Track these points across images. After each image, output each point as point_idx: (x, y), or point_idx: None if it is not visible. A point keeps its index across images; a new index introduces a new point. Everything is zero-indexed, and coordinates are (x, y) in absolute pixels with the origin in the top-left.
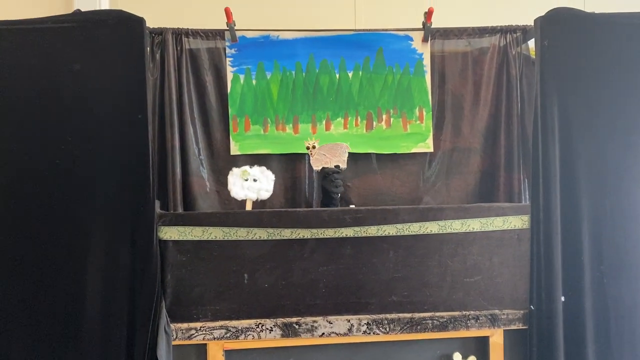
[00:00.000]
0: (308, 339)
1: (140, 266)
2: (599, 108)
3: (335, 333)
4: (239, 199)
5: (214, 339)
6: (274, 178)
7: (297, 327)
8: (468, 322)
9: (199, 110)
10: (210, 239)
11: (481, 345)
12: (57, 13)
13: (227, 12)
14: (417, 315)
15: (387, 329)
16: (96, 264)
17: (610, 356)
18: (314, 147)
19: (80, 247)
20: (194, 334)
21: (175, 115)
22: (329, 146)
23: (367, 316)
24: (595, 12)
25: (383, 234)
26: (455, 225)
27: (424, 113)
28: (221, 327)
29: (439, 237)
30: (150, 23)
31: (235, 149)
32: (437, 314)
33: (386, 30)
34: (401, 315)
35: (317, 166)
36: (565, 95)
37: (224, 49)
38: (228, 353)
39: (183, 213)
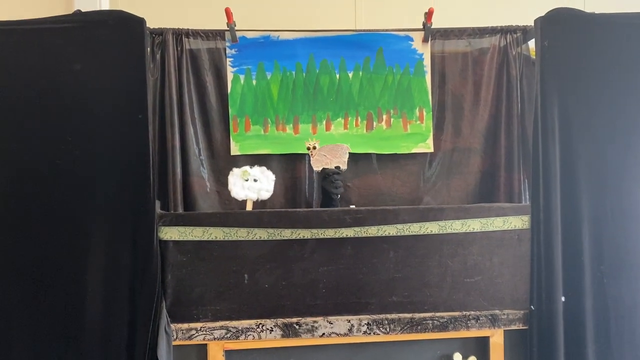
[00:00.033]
0: (308, 339)
1: (141, 266)
2: (599, 108)
3: (336, 333)
4: (240, 199)
5: (215, 339)
6: (274, 178)
7: (297, 327)
8: (468, 322)
9: (199, 110)
10: (210, 239)
11: (481, 346)
12: (57, 13)
13: (228, 13)
14: (417, 315)
15: (388, 329)
16: (96, 264)
17: (610, 356)
18: (314, 147)
19: (80, 247)
20: (194, 334)
21: (176, 115)
22: (330, 147)
23: (368, 316)
24: (596, 12)
25: (383, 234)
26: (456, 226)
27: (424, 113)
28: (221, 328)
29: (439, 237)
30: (151, 23)
31: (235, 149)
32: (438, 314)
33: (386, 30)
34: (401, 315)
35: (317, 167)
36: (566, 96)
37: (224, 50)
38: (228, 353)
39: (183, 213)
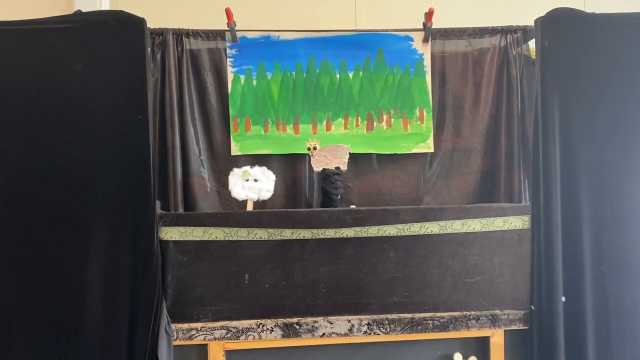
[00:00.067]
0: (309, 339)
1: (141, 266)
2: (599, 108)
3: (336, 333)
4: (240, 199)
5: (215, 339)
6: (274, 178)
7: (297, 327)
8: (469, 322)
9: (199, 110)
10: (210, 239)
11: (482, 346)
12: (58, 14)
13: (228, 13)
14: (417, 315)
15: (388, 329)
16: (97, 264)
17: (610, 356)
18: (315, 148)
19: (80, 247)
20: (194, 334)
21: (176, 115)
22: (330, 147)
23: (368, 316)
24: (596, 12)
25: (384, 234)
26: (456, 226)
27: (425, 113)
28: (222, 328)
29: (440, 237)
30: (151, 24)
31: (235, 150)
32: (438, 314)
33: (387, 30)
34: (402, 315)
35: (317, 167)
36: (566, 96)
37: (225, 50)
38: (229, 353)
39: (184, 213)
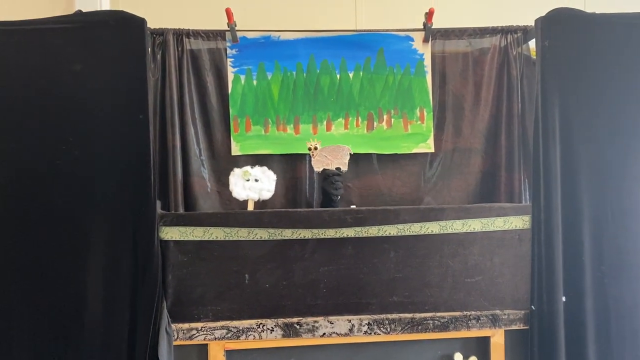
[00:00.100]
0: (309, 339)
1: (141, 266)
2: (599, 108)
3: (336, 333)
4: (241, 199)
5: (215, 339)
6: (275, 178)
7: (298, 327)
8: (469, 322)
9: (200, 110)
10: (211, 239)
11: (482, 346)
12: (58, 14)
13: (228, 13)
14: (418, 315)
15: (388, 329)
16: (97, 264)
17: (611, 356)
18: (315, 148)
19: (80, 247)
20: (195, 334)
21: (176, 115)
22: (331, 148)
23: (368, 316)
24: (596, 12)
25: (384, 234)
26: (456, 226)
27: (425, 113)
28: (222, 327)
29: (440, 237)
30: (151, 24)
31: (236, 150)
32: (438, 314)
33: (387, 30)
34: (402, 315)
35: (318, 167)
36: (566, 96)
37: (225, 50)
38: (229, 353)
39: (184, 213)
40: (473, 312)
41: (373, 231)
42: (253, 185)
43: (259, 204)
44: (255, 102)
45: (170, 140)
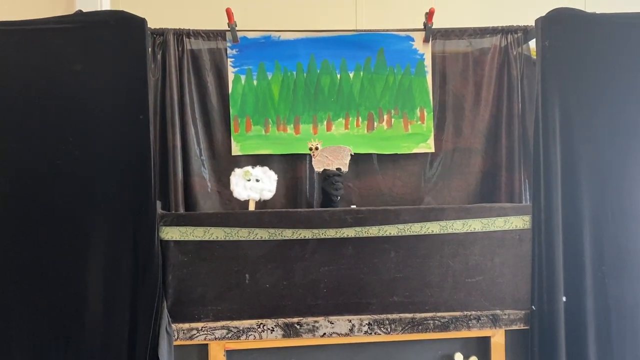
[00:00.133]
0: (309, 339)
1: (142, 266)
2: (600, 108)
3: (337, 333)
4: (242, 200)
5: (216, 339)
6: (276, 178)
7: (298, 327)
8: (469, 322)
9: (200, 110)
10: (211, 239)
11: (483, 346)
12: (58, 14)
13: (229, 13)
14: (418, 315)
15: (389, 329)
16: (97, 264)
17: (611, 356)
18: (316, 148)
19: (81, 247)
20: (195, 334)
21: (177, 115)
22: (332, 148)
23: (369, 316)
24: (596, 12)
25: (384, 234)
26: (457, 226)
27: (425, 113)
28: (222, 327)
29: (441, 237)
30: (152, 24)
31: (236, 150)
32: (439, 314)
33: (387, 30)
34: (402, 315)
35: (318, 168)
36: (566, 96)
37: (225, 50)
38: (229, 353)
39: (184, 213)
40: (473, 312)
41: (373, 231)
42: (254, 185)
43: (260, 204)
44: (255, 102)
45: (170, 140)
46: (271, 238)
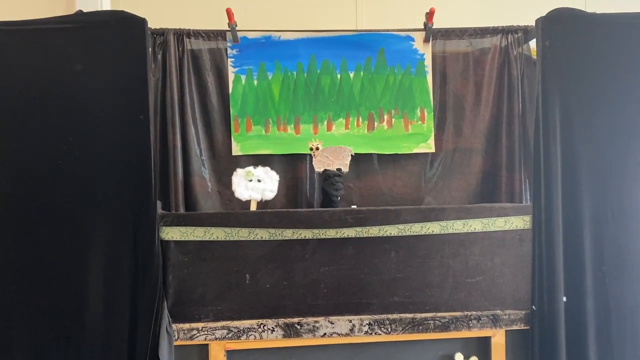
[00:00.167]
0: (310, 339)
1: (142, 266)
2: (600, 108)
3: (337, 333)
4: (243, 200)
5: (216, 339)
6: (278, 179)
7: (298, 327)
8: (470, 322)
9: (200, 110)
10: (212, 239)
11: (483, 346)
12: (58, 14)
13: (229, 13)
14: (418, 315)
15: (389, 329)
16: (97, 264)
17: (611, 356)
18: (317, 148)
19: (81, 247)
20: (195, 335)
21: (177, 115)
22: (333, 149)
23: (369, 316)
24: (597, 12)
25: (385, 235)
26: (457, 226)
27: (426, 113)
28: (223, 328)
29: (441, 237)
30: (152, 24)
31: (236, 150)
32: (439, 314)
33: (387, 30)
34: (403, 315)
35: (319, 168)
36: (567, 96)
37: (226, 50)
38: (230, 353)
39: (185, 213)
40: (474, 312)
41: (374, 231)
42: (256, 185)
43: (261, 204)
44: (255, 102)
45: (171, 140)
46: (271, 238)
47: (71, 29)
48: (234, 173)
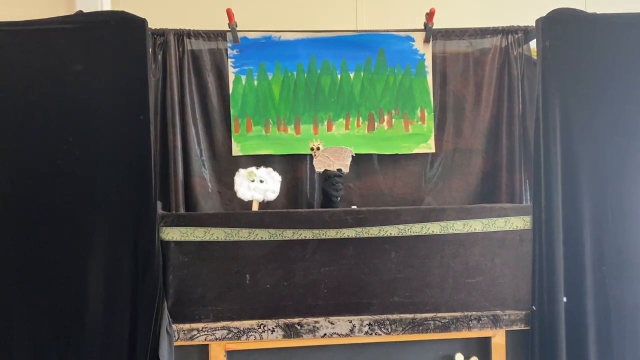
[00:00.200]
0: (310, 340)
1: (142, 267)
2: (600, 109)
3: (337, 334)
4: (245, 200)
5: (216, 339)
6: (280, 179)
7: (299, 327)
8: (470, 322)
9: (200, 111)
10: (212, 239)
11: (483, 346)
12: (59, 14)
13: (229, 14)
14: (419, 315)
15: (389, 330)
16: (97, 264)
17: (611, 357)
18: (318, 148)
19: (81, 247)
20: (195, 335)
21: (177, 116)
22: (333, 149)
23: (369, 317)
24: (597, 12)
25: (385, 235)
26: (457, 226)
27: (426, 114)
28: (223, 328)
29: (441, 237)
30: (152, 24)
31: (237, 150)
32: (439, 314)
33: (388, 31)
34: (403, 315)
35: (319, 168)
36: (567, 96)
37: (226, 50)
38: (230, 354)
39: (185, 214)
40: (474, 313)
41: (374, 231)
42: (258, 186)
43: (263, 205)
44: (256, 103)
45: (171, 141)
46: (272, 238)
47: (71, 30)
48: (237, 173)
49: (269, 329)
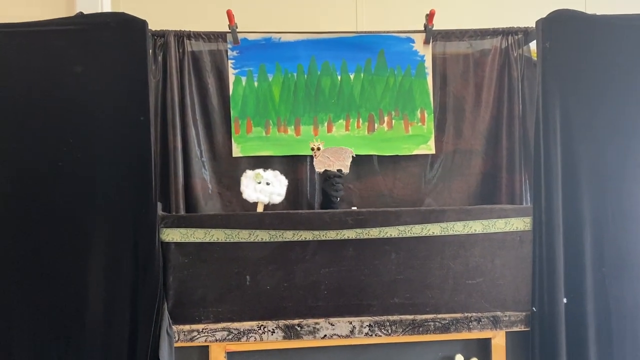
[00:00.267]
0: (310, 341)
1: (142, 268)
2: (600, 109)
3: (337, 335)
4: (251, 202)
5: (216, 340)
6: (286, 183)
7: (299, 329)
8: (470, 324)
9: (201, 112)
10: (212, 240)
11: (483, 347)
12: (59, 16)
13: (229, 15)
14: (419, 317)
15: (389, 331)
16: (97, 265)
17: (612, 357)
18: (318, 149)
19: (81, 248)
20: (196, 336)
21: (178, 117)
22: (334, 150)
23: (369, 318)
24: (597, 13)
25: (385, 236)
26: (457, 227)
27: (426, 115)
28: (223, 329)
29: (441, 239)
30: (153, 25)
31: (237, 151)
32: (439, 315)
33: (388, 32)
34: (403, 317)
35: (319, 168)
36: (567, 97)
37: (226, 51)
38: (230, 355)
39: (185, 215)
40: (474, 314)
41: (374, 233)
42: (264, 188)
43: (268, 207)
44: (256, 104)
45: (171, 142)
46: (272, 240)
47: (72, 31)
48: (244, 174)
49: (269, 330)
